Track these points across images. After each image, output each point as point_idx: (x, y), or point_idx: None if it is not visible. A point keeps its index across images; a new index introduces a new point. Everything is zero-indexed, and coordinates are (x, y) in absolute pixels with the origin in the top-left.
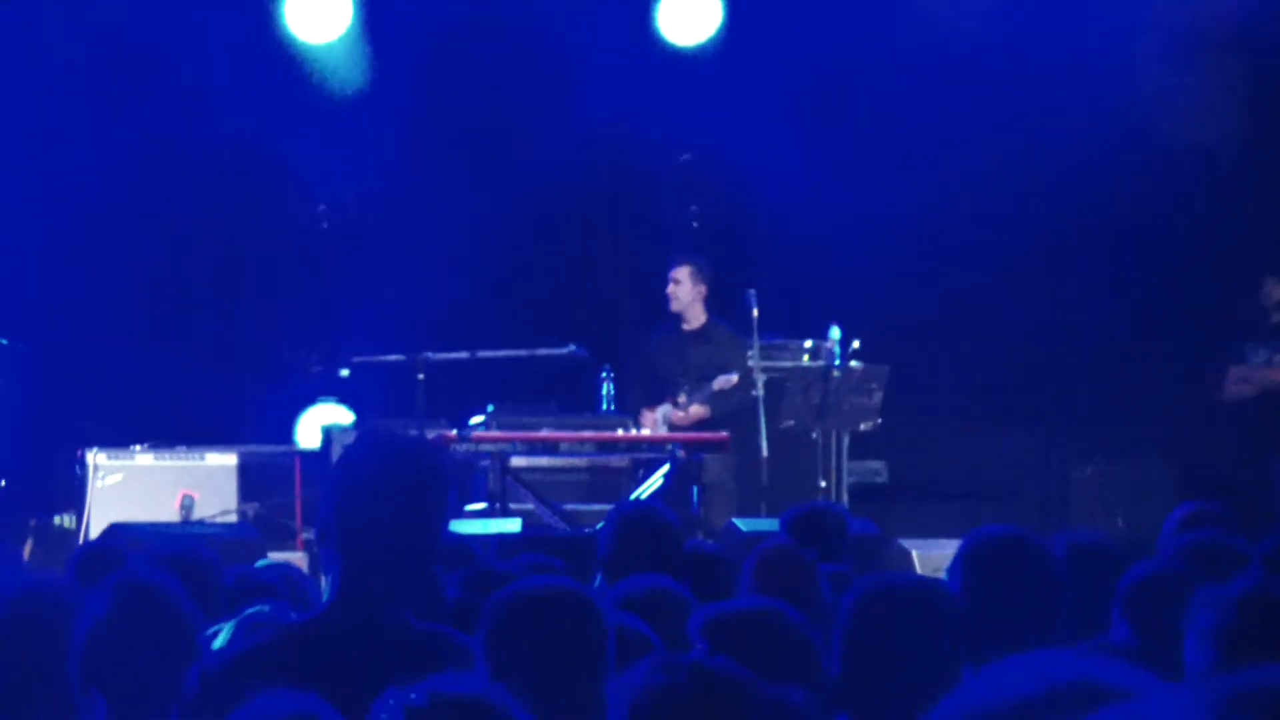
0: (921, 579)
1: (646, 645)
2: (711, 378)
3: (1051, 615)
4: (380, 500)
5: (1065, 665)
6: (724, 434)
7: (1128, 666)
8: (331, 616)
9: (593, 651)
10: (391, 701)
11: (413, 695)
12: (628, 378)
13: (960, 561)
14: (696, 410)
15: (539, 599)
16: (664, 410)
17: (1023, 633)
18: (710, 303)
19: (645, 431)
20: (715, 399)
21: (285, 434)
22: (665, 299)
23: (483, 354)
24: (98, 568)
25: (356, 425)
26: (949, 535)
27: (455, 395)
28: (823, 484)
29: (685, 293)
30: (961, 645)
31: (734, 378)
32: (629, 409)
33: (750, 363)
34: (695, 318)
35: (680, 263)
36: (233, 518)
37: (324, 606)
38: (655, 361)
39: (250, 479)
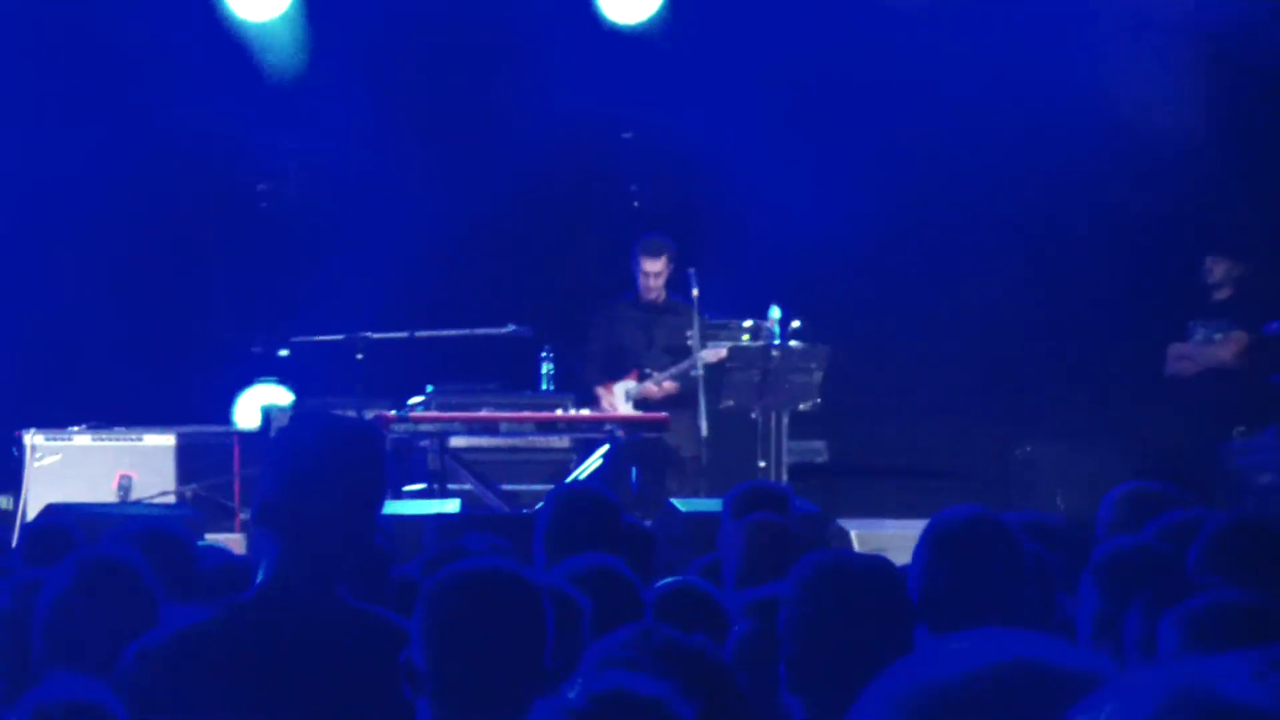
0: (868, 557)
1: (580, 615)
2: (675, 352)
3: (1018, 595)
4: (317, 481)
5: (1008, 643)
6: (663, 414)
7: (1073, 646)
8: (267, 597)
9: (531, 631)
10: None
11: (572, 695)
12: (568, 356)
13: (925, 542)
14: (669, 385)
15: (477, 579)
16: (627, 386)
17: (989, 613)
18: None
19: (587, 410)
20: (683, 376)
21: (224, 414)
22: (605, 276)
23: (422, 334)
24: (46, 548)
25: (295, 405)
26: (888, 515)
27: (395, 375)
28: (762, 464)
29: (665, 278)
30: (911, 624)
31: (723, 350)
32: (569, 388)
33: (689, 342)
34: (659, 293)
35: (661, 250)
36: (171, 498)
37: (259, 587)
38: (612, 334)
39: (189, 459)
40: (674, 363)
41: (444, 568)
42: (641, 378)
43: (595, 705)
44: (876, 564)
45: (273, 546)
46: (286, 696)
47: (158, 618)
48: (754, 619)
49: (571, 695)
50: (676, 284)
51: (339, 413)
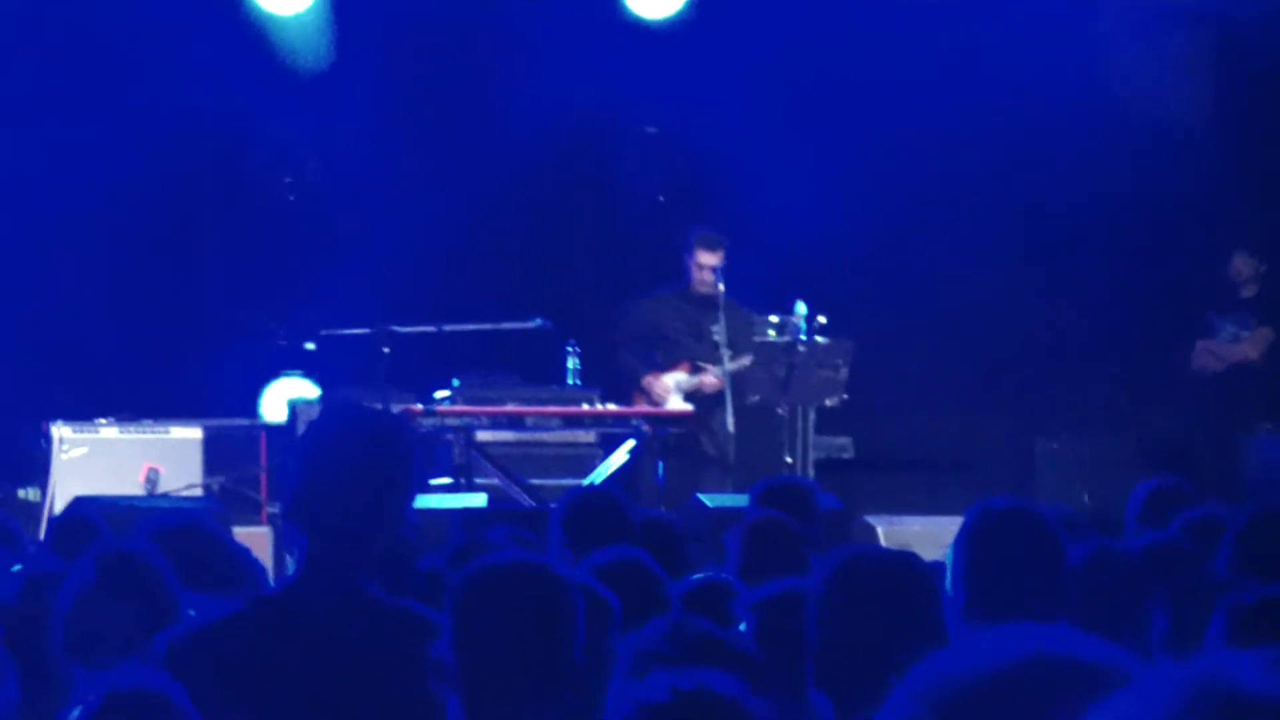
0: (896, 552)
1: (609, 612)
2: (731, 346)
3: (1058, 589)
4: (347, 474)
5: (1038, 638)
6: (689, 409)
7: (1100, 641)
8: (298, 590)
9: (562, 626)
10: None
11: (650, 691)
12: (596, 349)
13: (965, 535)
14: (720, 381)
15: (507, 573)
16: (678, 377)
17: (1029, 607)
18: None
19: (613, 405)
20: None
21: (250, 407)
22: (630, 270)
23: (448, 327)
24: (72, 540)
25: (322, 399)
26: (914, 511)
27: (421, 369)
28: (788, 459)
29: (720, 272)
30: (939, 618)
31: (746, 360)
32: (595, 383)
33: (716, 337)
34: (712, 287)
35: (720, 244)
36: (198, 491)
37: (291, 580)
38: (657, 325)
39: (215, 452)
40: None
41: (473, 561)
42: (694, 370)
43: (678, 699)
44: (904, 559)
45: (302, 540)
46: (316, 688)
47: (177, 612)
48: (758, 616)
49: (650, 691)
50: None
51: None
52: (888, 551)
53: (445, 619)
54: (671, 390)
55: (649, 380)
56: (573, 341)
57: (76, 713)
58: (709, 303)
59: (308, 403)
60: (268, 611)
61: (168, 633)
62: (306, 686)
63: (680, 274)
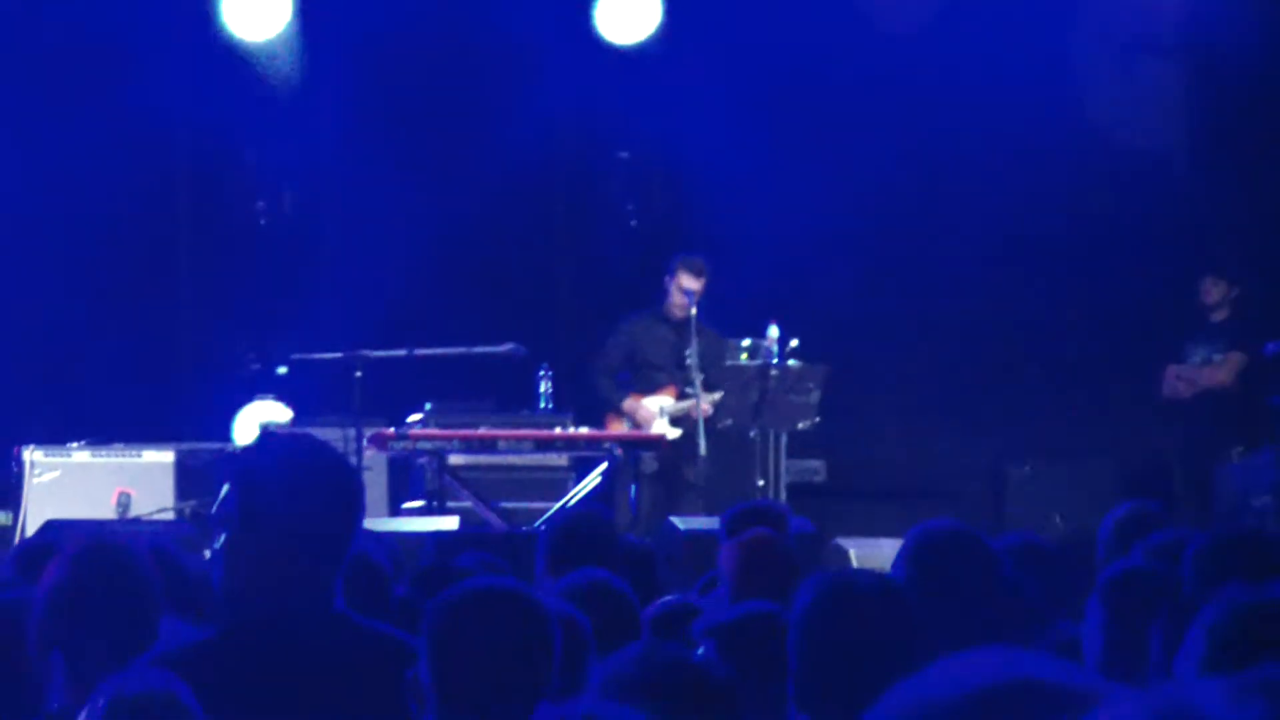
0: (878, 575)
1: (584, 637)
2: (706, 372)
3: (998, 610)
4: (305, 503)
5: (1009, 663)
6: (660, 434)
7: (1072, 665)
8: (268, 614)
9: (538, 651)
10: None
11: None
12: (570, 373)
13: (905, 557)
14: (707, 408)
15: (483, 599)
16: (662, 401)
17: (970, 629)
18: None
19: (586, 429)
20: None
21: (223, 431)
22: (603, 295)
23: (420, 351)
24: (38, 564)
25: (264, 432)
26: (887, 535)
27: (393, 393)
28: (760, 483)
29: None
30: (919, 642)
31: (717, 396)
32: (568, 407)
33: (689, 361)
34: (687, 312)
35: (704, 270)
36: (170, 515)
37: (258, 605)
38: (636, 349)
39: (187, 476)
40: (704, 383)
41: (450, 586)
42: (681, 396)
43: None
44: (884, 582)
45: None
46: (294, 713)
47: (158, 603)
48: (719, 640)
49: None
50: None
51: (288, 435)
52: (868, 574)
53: (421, 643)
54: (656, 415)
55: (631, 404)
56: (545, 365)
57: (83, 717)
58: (684, 326)
59: (279, 427)
60: (243, 636)
61: (151, 653)
62: (284, 711)
63: (654, 297)
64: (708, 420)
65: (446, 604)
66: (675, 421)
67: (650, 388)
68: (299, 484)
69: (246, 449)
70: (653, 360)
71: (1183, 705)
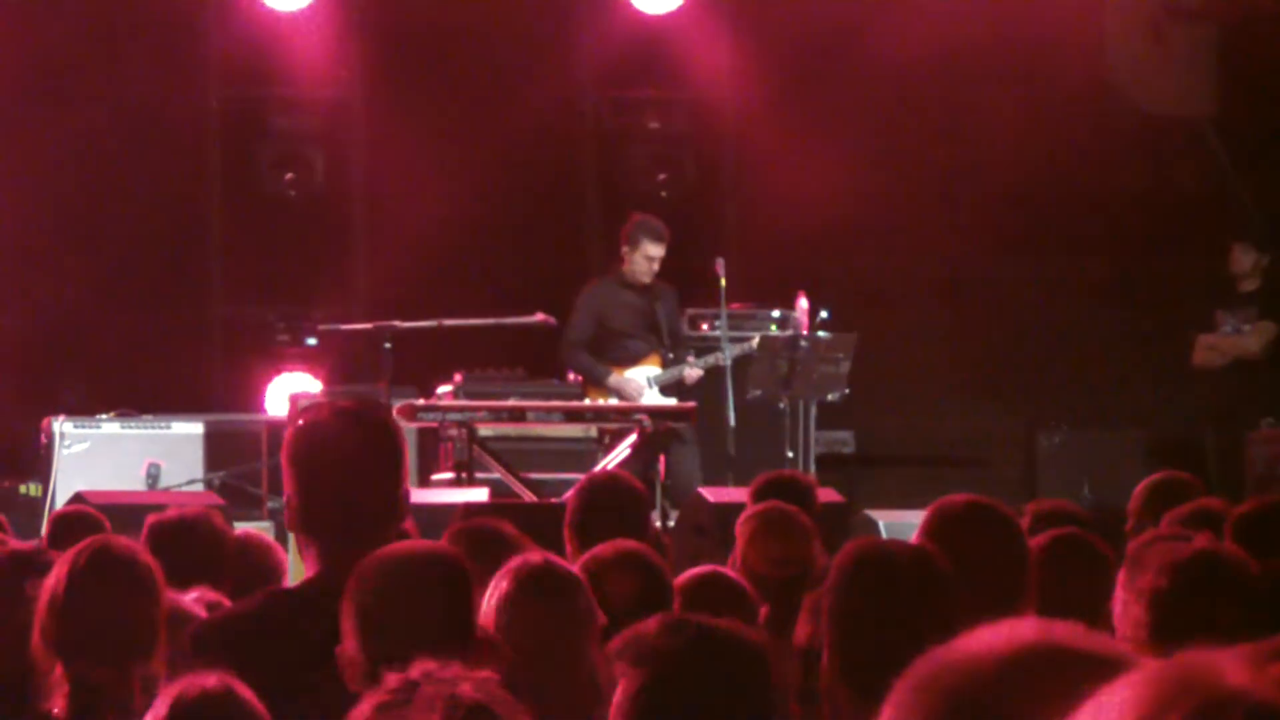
0: (916, 546)
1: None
2: (675, 336)
3: (1018, 583)
4: (351, 475)
5: (1039, 631)
6: (691, 404)
7: (1100, 634)
8: (316, 586)
9: (461, 616)
10: None
11: None
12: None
13: (925, 529)
14: (697, 374)
15: (405, 563)
16: (648, 371)
17: (989, 601)
18: None
19: (615, 400)
20: (710, 366)
21: (252, 402)
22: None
23: (449, 322)
24: (72, 533)
25: (306, 400)
26: (916, 505)
27: (423, 364)
28: (790, 454)
29: None
30: (955, 613)
31: (699, 372)
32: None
33: (718, 331)
34: (650, 277)
35: (665, 236)
36: (199, 486)
37: (308, 578)
38: (605, 318)
39: (216, 447)
40: (675, 348)
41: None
42: (666, 363)
43: None
44: (924, 553)
45: (315, 537)
46: (332, 683)
47: (159, 603)
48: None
49: None
50: (702, 274)
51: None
52: (905, 545)
53: (344, 608)
54: (645, 387)
55: (616, 380)
56: None
57: None
58: (649, 293)
59: (310, 397)
60: (287, 605)
61: (195, 623)
62: (324, 681)
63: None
64: (737, 390)
65: (369, 568)
66: (665, 390)
67: (624, 357)
68: (349, 461)
69: (298, 420)
70: (621, 328)
71: (1201, 673)
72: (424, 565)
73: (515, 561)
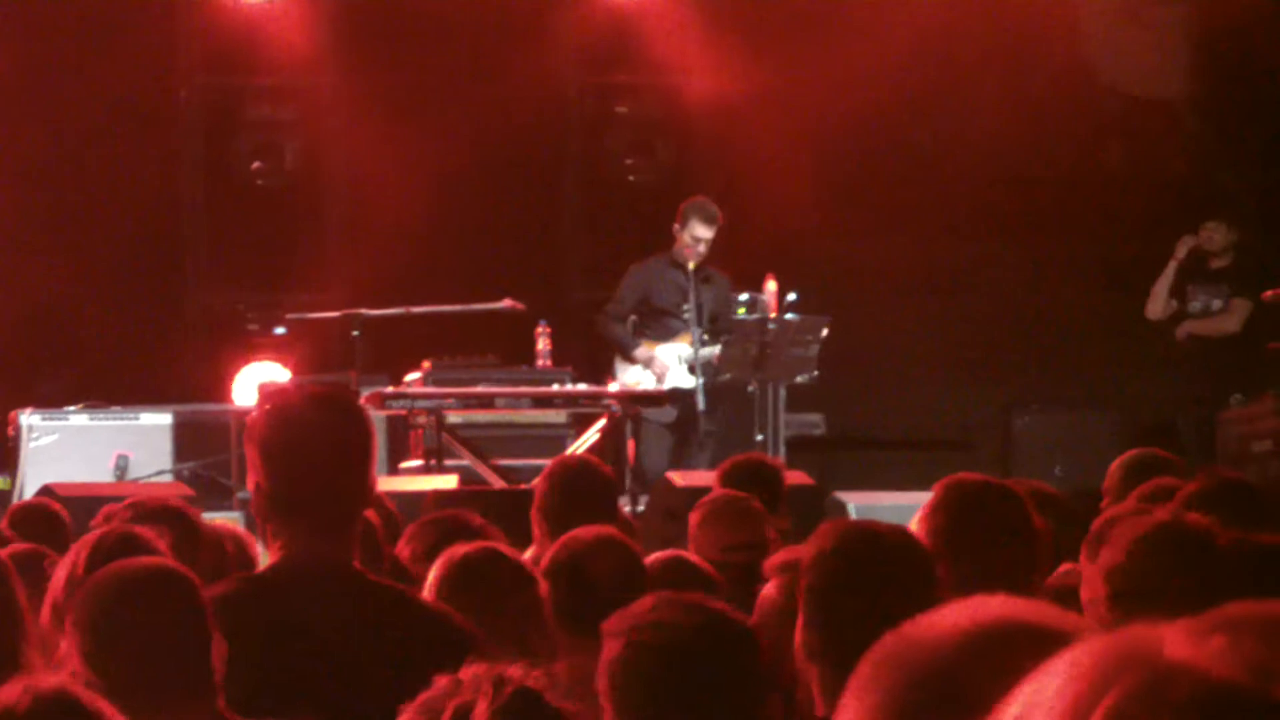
0: (891, 526)
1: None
2: (716, 320)
3: (1027, 562)
4: (321, 458)
5: (1000, 606)
6: (664, 389)
7: (1062, 610)
8: (287, 570)
9: (193, 635)
10: None
11: None
12: (567, 330)
13: (933, 509)
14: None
15: (132, 581)
16: (679, 349)
17: (997, 580)
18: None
19: (584, 385)
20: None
21: (221, 392)
22: (601, 250)
23: (417, 309)
24: (30, 525)
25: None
26: (886, 487)
27: (391, 351)
28: (759, 437)
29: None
30: (934, 593)
31: (717, 350)
32: (565, 362)
33: (686, 315)
34: (698, 258)
35: (718, 219)
36: (168, 477)
37: (278, 562)
38: (649, 295)
39: (185, 438)
40: (713, 333)
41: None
42: (696, 345)
43: None
44: (901, 533)
45: (286, 522)
46: (310, 664)
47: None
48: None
49: None
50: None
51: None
52: (884, 525)
53: (71, 631)
54: (672, 364)
55: (645, 353)
56: (543, 322)
57: None
58: (696, 274)
59: (278, 386)
60: (260, 589)
61: None
62: (300, 662)
63: (663, 245)
64: (706, 374)
65: (96, 586)
66: (693, 371)
67: (663, 333)
68: (320, 445)
69: (266, 406)
70: (663, 305)
71: (1144, 645)
72: (154, 584)
73: None
